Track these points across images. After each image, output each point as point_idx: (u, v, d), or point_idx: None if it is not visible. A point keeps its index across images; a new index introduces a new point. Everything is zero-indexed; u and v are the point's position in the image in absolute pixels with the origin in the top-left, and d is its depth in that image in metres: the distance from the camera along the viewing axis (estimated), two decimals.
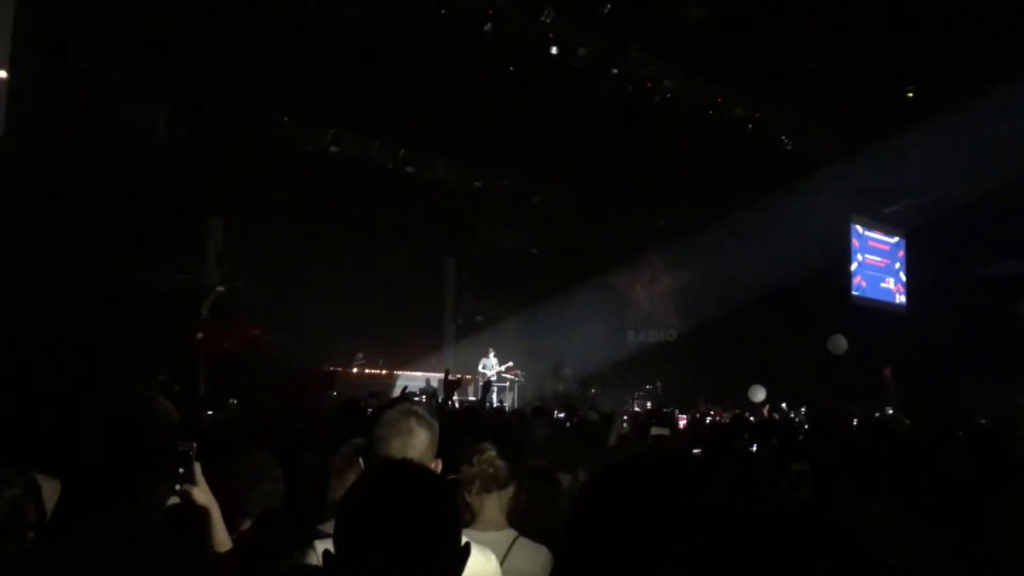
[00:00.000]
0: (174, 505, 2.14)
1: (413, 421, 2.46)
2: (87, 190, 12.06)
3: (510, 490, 3.03)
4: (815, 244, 16.25)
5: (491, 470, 2.98)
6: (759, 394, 13.25)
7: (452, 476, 2.89)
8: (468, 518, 2.94)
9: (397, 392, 13.98)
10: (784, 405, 13.92)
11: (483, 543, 2.77)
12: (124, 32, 11.88)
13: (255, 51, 12.59)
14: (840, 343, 14.34)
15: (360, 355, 15.84)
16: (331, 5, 12.42)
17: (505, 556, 2.79)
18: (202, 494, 2.13)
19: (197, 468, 2.12)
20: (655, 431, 2.89)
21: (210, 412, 4.34)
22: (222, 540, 2.21)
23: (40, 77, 11.49)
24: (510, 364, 16.58)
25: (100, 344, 11.64)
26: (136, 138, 12.76)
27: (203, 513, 2.13)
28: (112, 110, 12.53)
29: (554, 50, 13.19)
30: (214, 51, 12.56)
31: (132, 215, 12.62)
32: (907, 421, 7.37)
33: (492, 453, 3.02)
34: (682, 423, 8.18)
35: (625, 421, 6.86)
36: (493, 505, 2.98)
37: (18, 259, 11.47)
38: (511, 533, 2.94)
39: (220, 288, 13.94)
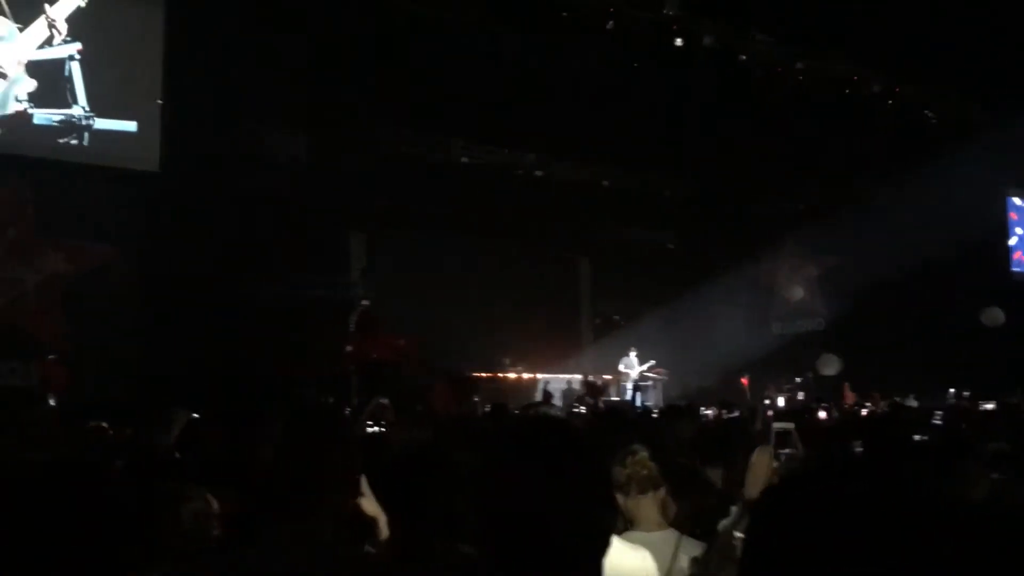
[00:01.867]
0: (345, 515, 2.23)
1: None
2: (238, 213, 12.80)
3: (663, 490, 3.01)
4: (968, 220, 15.32)
5: (644, 471, 2.97)
6: (832, 366, 12.47)
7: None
8: (623, 523, 2.93)
9: (539, 396, 14.08)
10: (952, 391, 13.19)
11: (648, 544, 2.77)
12: (262, 62, 12.52)
13: (385, 70, 13.00)
14: (997, 315, 13.51)
15: (506, 360, 16.05)
16: (454, 16, 12.67)
17: (674, 555, 2.78)
18: (371, 505, 2.22)
19: (363, 480, 2.20)
20: (778, 427, 2.81)
21: (371, 426, 4.49)
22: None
23: (192, 107, 12.29)
24: (652, 363, 16.40)
25: (256, 360, 12.29)
26: (282, 162, 13.43)
27: (373, 523, 2.22)
28: (259, 136, 13.24)
29: (679, 41, 13.00)
30: (349, 73, 13.06)
31: (279, 235, 13.28)
32: None
33: (644, 454, 3.01)
34: (822, 415, 7.85)
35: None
36: (651, 506, 2.96)
37: (174, 280, 12.27)
38: (674, 533, 2.93)
39: (365, 302, 14.41)
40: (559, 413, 2.75)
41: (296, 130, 13.51)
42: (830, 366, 12.99)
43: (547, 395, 12.89)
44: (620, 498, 2.94)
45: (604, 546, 1.44)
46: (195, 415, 4.41)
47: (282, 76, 12.83)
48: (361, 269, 15.25)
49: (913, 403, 10.64)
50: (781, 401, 13.68)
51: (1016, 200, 17.80)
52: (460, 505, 3.03)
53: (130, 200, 12.71)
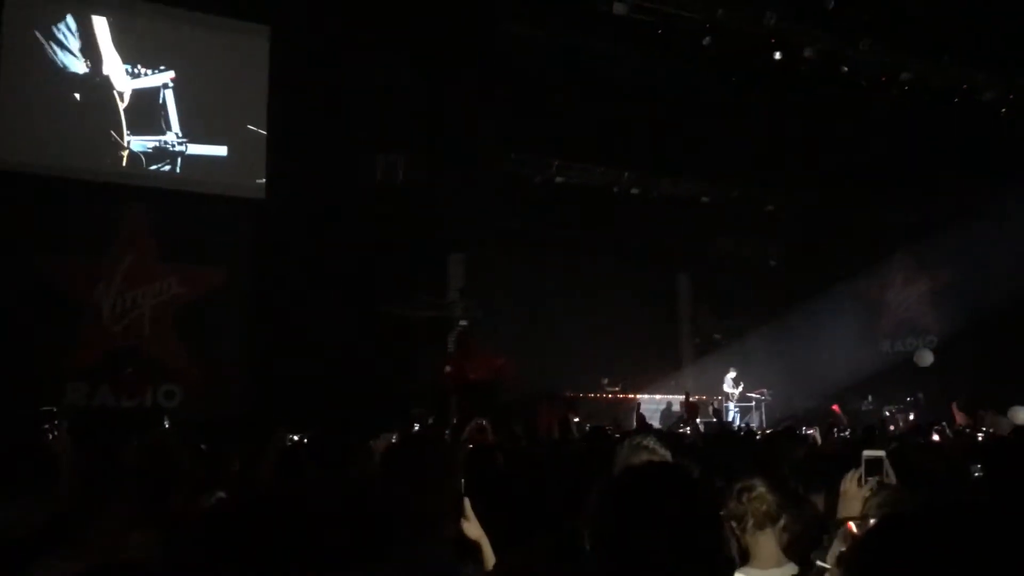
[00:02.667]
0: (454, 538, 2.25)
1: (645, 456, 2.45)
2: (340, 235, 13.14)
3: (782, 522, 2.92)
4: None
5: (763, 507, 2.89)
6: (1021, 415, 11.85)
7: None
8: (740, 558, 2.87)
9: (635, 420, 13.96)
10: None
11: None
12: (363, 90, 12.87)
13: (484, 89, 13.19)
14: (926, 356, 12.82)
15: (605, 380, 15.96)
16: (552, 35, 12.76)
17: None
18: (473, 528, 2.24)
19: (467, 504, 2.22)
20: (867, 454, 2.68)
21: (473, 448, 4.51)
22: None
23: (295, 135, 12.72)
24: (742, 385, 16.10)
25: (360, 379, 12.56)
26: (382, 182, 13.74)
27: (476, 546, 2.24)
28: (360, 157, 13.59)
29: (778, 55, 12.76)
30: (448, 93, 13.29)
31: (379, 256, 13.57)
32: None
33: (762, 489, 2.92)
34: (936, 437, 7.49)
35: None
36: (769, 541, 2.87)
37: (281, 302, 12.66)
38: (791, 568, 2.84)
39: (463, 321, 14.57)
40: (652, 442, 2.69)
41: (395, 151, 13.80)
42: (925, 358, 12.47)
43: (641, 418, 12.70)
44: (738, 531, 2.87)
45: None
46: (294, 437, 4.53)
47: (383, 97, 13.14)
48: (460, 289, 15.44)
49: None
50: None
51: None
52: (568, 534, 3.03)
53: (239, 224, 13.21)
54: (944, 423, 9.96)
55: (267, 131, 13.19)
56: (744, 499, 2.89)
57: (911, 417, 14.36)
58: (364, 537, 2.01)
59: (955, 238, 15.89)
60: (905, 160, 15.09)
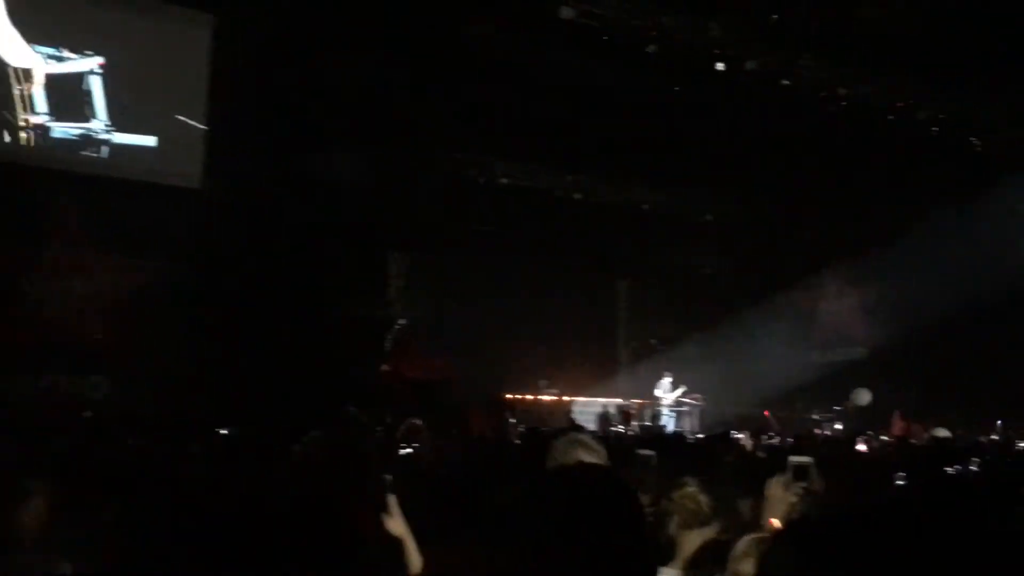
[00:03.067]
0: (375, 535, 2.21)
1: (580, 451, 2.44)
2: (279, 231, 12.94)
3: (714, 528, 2.91)
4: (1016, 249, 14.98)
5: (691, 505, 2.88)
6: (864, 397, 12.20)
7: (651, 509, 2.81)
8: (666, 556, 2.86)
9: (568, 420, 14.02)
10: (1000, 423, 12.90)
11: None
12: (305, 84, 12.69)
13: (424, 89, 13.11)
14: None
15: (543, 383, 15.99)
16: (494, 38, 12.75)
17: None
18: (397, 525, 2.20)
19: (392, 500, 2.19)
20: (794, 460, 2.70)
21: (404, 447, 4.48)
22: (417, 566, 2.27)
23: (236, 128, 12.47)
24: (684, 388, 16.22)
25: (295, 377, 12.37)
26: (320, 180, 13.55)
27: (400, 543, 2.20)
28: (298, 155, 13.38)
29: (720, 66, 12.93)
30: (390, 92, 13.18)
31: (318, 253, 13.39)
32: None
33: (692, 489, 2.91)
34: (862, 447, 7.66)
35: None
36: (694, 543, 2.86)
37: (219, 298, 12.42)
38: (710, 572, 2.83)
39: (402, 320, 14.47)
40: (587, 439, 2.69)
41: (335, 149, 13.64)
42: (862, 398, 12.74)
43: (571, 421, 12.75)
44: (665, 529, 2.85)
45: None
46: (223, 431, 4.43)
47: (325, 93, 12.98)
48: (399, 288, 15.34)
49: (945, 433, 10.35)
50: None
51: None
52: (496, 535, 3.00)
53: (173, 216, 12.90)
54: (871, 432, 10.20)
55: (206, 123, 12.92)
56: (675, 497, 2.89)
57: (838, 426, 14.70)
58: (275, 537, 1.96)
59: (886, 254, 16.33)
60: (841, 175, 15.43)
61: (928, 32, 12.21)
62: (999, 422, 13.28)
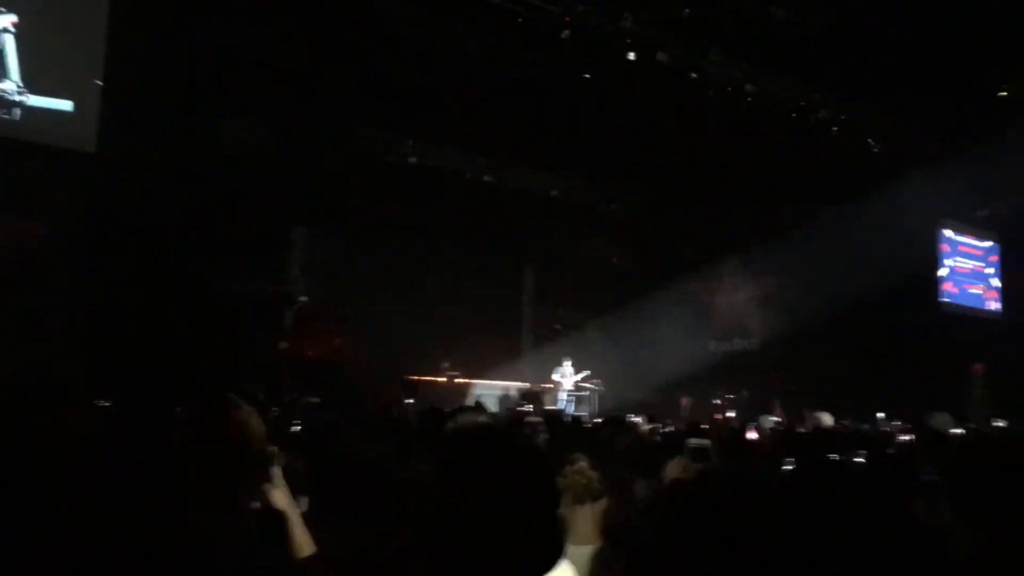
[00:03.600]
0: (256, 509, 2.14)
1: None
2: (174, 201, 12.46)
3: (603, 503, 2.94)
4: (904, 250, 15.67)
5: (583, 481, 2.90)
6: (826, 419, 12.69)
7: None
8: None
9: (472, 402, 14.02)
10: (881, 416, 13.47)
11: (577, 557, 2.70)
12: (210, 46, 12.23)
13: (335, 63, 12.82)
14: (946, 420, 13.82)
15: (445, 364, 15.93)
16: (408, 16, 12.56)
17: (593, 572, 2.72)
18: (282, 498, 2.13)
19: (277, 472, 2.12)
20: (694, 443, 2.76)
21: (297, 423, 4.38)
22: (303, 543, 2.20)
23: (132, 89, 11.93)
24: (586, 373, 16.41)
25: (188, 355, 11.98)
26: (223, 150, 13.12)
27: (283, 517, 2.13)
28: (200, 123, 12.91)
29: (632, 56, 13.05)
30: (295, 64, 12.84)
31: (216, 226, 12.97)
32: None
33: (583, 464, 2.94)
34: (752, 435, 7.86)
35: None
36: (586, 517, 2.90)
37: (109, 270, 11.90)
38: (605, 549, 2.85)
39: (303, 298, 14.19)
40: (485, 418, 2.71)
41: (239, 119, 13.21)
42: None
43: (476, 403, 12.77)
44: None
45: (548, 562, 1.37)
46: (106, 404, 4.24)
47: (230, 61, 12.55)
48: (301, 265, 15.02)
49: (828, 419, 10.76)
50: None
51: (947, 232, 18.25)
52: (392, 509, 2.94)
53: (66, 181, 12.28)
54: (758, 420, 10.50)
55: (104, 85, 12.31)
56: (567, 471, 2.90)
57: (732, 413, 15.13)
58: (148, 508, 1.87)
59: (781, 248, 16.86)
60: (743, 170, 15.82)
61: (833, 35, 12.58)
62: (880, 415, 13.88)
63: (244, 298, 13.61)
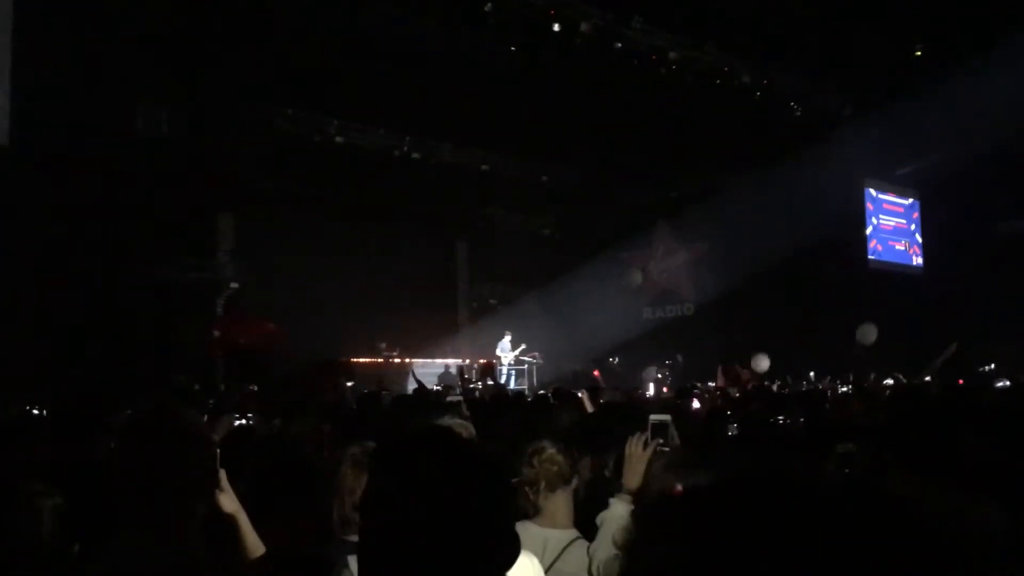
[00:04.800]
0: (204, 513, 2.08)
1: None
2: (93, 191, 12.03)
3: (574, 484, 2.95)
4: (830, 209, 16.05)
5: (554, 468, 2.90)
6: (764, 363, 13.00)
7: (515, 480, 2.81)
8: (533, 513, 2.88)
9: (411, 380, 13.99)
10: (812, 375, 13.86)
11: (539, 538, 2.71)
12: (125, 31, 11.81)
13: (255, 44, 12.50)
14: (869, 333, 14.17)
15: (382, 345, 15.81)
16: None
17: (559, 555, 2.73)
18: (229, 501, 2.08)
19: (222, 475, 2.06)
20: (654, 418, 2.78)
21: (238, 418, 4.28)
22: (253, 545, 2.16)
23: (44, 78, 11.45)
24: (523, 347, 16.47)
25: (117, 345, 11.66)
26: (140, 136, 12.71)
27: (232, 520, 2.08)
28: (121, 108, 12.48)
29: (556, 27, 13.02)
30: (215, 46, 12.48)
31: (139, 214, 12.58)
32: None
33: (552, 451, 2.93)
34: (696, 404, 8.00)
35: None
36: (560, 503, 2.90)
37: (28, 262, 11.47)
38: (572, 533, 2.86)
39: (234, 284, 13.92)
40: (456, 423, 2.70)
41: (161, 102, 12.81)
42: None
43: (419, 384, 12.68)
44: (532, 495, 2.86)
45: (505, 563, 1.35)
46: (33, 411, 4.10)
47: (149, 45, 12.12)
48: (230, 250, 14.70)
49: (766, 363, 10.97)
50: (651, 388, 13.95)
51: (872, 191, 18.75)
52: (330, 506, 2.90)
53: None
54: (699, 385, 10.68)
55: (12, 70, 11.76)
56: (535, 462, 2.89)
57: (669, 380, 15.36)
58: (91, 518, 1.82)
59: (710, 213, 17.12)
60: (671, 138, 15.97)
61: (753, 1, 12.73)
62: (812, 373, 14.27)
63: (172, 287, 13.27)
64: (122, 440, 1.91)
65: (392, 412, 5.69)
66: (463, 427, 3.04)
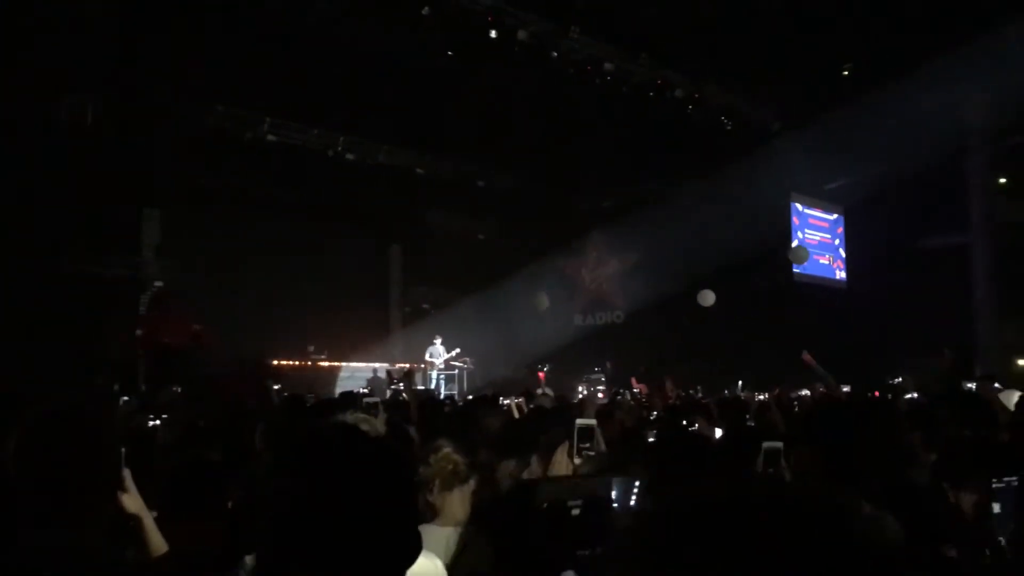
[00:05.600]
0: (108, 512, 2.04)
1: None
2: (13, 182, 11.63)
3: (472, 484, 2.97)
4: (758, 222, 16.41)
5: (450, 466, 2.92)
6: (709, 298, 13.01)
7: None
8: (430, 515, 2.88)
9: (340, 385, 13.86)
10: (740, 384, 14.08)
11: (441, 538, 2.72)
12: (49, 19, 11.46)
13: (187, 37, 12.26)
14: (708, 296, 14.55)
15: (311, 348, 15.60)
16: None
17: (460, 552, 2.74)
18: (133, 501, 2.05)
19: (127, 475, 2.03)
20: (580, 423, 2.82)
21: (153, 417, 4.20)
22: (157, 545, 2.14)
23: None
24: (458, 351, 16.44)
25: (35, 343, 11.29)
26: (64, 127, 12.33)
27: (136, 520, 2.05)
28: (40, 98, 12.09)
29: (493, 33, 13.06)
30: (144, 36, 12.21)
31: (62, 208, 12.21)
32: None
33: (447, 450, 2.96)
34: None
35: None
36: (455, 501, 2.92)
37: None
38: (470, 528, 2.88)
39: (158, 283, 13.61)
40: (364, 423, 2.70)
41: (85, 93, 12.45)
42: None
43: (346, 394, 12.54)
44: (427, 494, 2.87)
45: (406, 558, 1.35)
46: None
47: (78, 33, 11.77)
48: (155, 248, 14.36)
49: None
50: (583, 389, 14.08)
51: (798, 205, 19.20)
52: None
53: None
54: (623, 391, 10.79)
55: None
56: (431, 460, 2.91)
57: (600, 387, 15.50)
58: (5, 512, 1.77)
59: (643, 223, 17.36)
60: (604, 147, 16.16)
61: (687, 16, 12.95)
62: (739, 382, 14.52)
63: (94, 283, 12.90)
64: (23, 439, 1.86)
65: (312, 413, 5.64)
66: (366, 422, 3.04)
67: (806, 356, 7.92)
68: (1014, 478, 2.67)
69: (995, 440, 3.96)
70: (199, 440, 4.03)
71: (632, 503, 1.88)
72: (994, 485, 2.65)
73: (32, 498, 1.81)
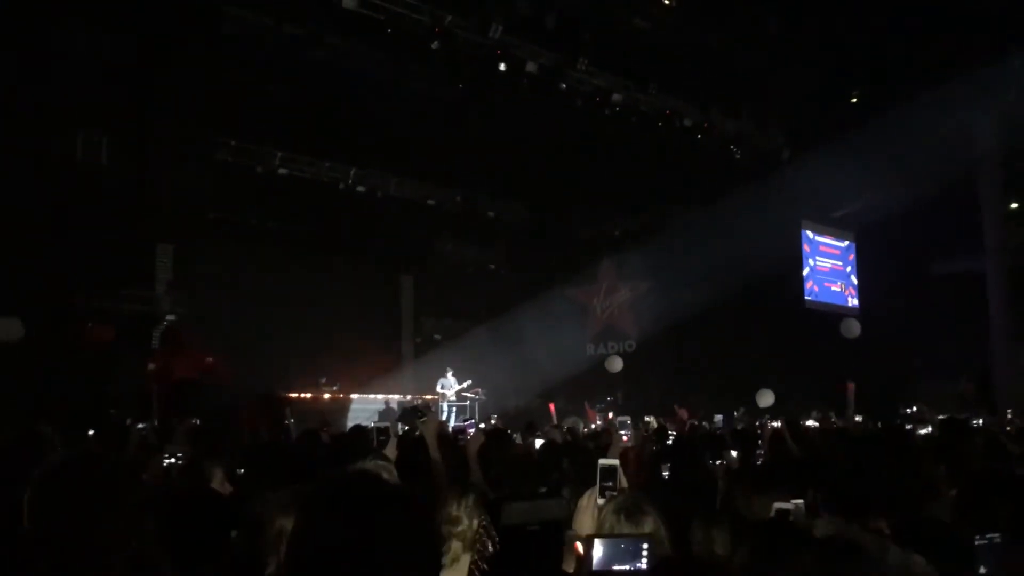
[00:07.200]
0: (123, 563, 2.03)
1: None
2: (31, 219, 11.75)
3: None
4: (768, 250, 16.37)
5: (472, 536, 2.87)
6: (768, 398, 12.94)
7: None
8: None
9: (352, 416, 13.83)
10: (743, 410, 13.98)
11: None
12: (65, 58, 11.63)
13: (200, 74, 12.42)
14: (853, 326, 14.42)
15: (323, 380, 15.59)
16: (275, 27, 12.30)
17: None
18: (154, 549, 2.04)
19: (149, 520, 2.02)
20: (603, 463, 2.80)
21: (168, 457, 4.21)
22: None
23: None
24: (469, 382, 16.38)
25: (51, 379, 11.34)
26: (79, 163, 12.46)
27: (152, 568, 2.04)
28: (58, 134, 12.24)
29: (502, 66, 13.18)
30: (158, 75, 12.36)
31: (77, 244, 12.29)
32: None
33: (481, 528, 2.88)
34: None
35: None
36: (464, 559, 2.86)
37: None
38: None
39: (171, 316, 13.64)
40: (383, 471, 2.69)
41: (99, 130, 12.58)
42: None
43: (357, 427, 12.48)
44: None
45: None
46: None
47: (92, 71, 11.94)
48: (168, 282, 14.40)
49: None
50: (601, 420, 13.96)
51: (809, 233, 19.17)
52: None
53: None
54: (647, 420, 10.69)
55: None
56: (463, 526, 2.86)
57: (610, 416, 15.38)
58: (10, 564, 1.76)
59: (653, 252, 17.36)
60: (613, 177, 16.20)
61: (696, 46, 13.05)
62: (742, 408, 14.44)
63: (109, 318, 12.95)
64: (38, 489, 1.86)
65: (330, 453, 5.64)
66: (384, 469, 3.02)
67: (850, 386, 7.84)
68: (996, 535, 2.35)
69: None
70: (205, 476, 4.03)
71: (643, 564, 1.84)
72: (977, 542, 2.33)
73: (47, 548, 1.80)
